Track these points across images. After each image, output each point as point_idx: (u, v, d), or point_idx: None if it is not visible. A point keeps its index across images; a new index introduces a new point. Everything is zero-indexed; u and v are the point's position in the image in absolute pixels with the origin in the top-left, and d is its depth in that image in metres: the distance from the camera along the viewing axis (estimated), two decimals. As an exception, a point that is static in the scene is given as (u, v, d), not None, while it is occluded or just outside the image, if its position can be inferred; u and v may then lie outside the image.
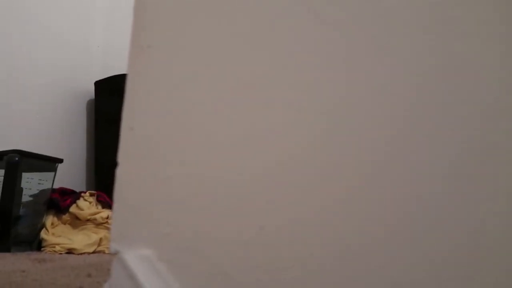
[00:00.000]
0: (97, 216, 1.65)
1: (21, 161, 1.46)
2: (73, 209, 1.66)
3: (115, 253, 0.37)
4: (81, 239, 1.55)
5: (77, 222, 1.68)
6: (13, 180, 1.44)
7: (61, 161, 1.65)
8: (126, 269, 0.35)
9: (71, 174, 1.95)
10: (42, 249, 1.51)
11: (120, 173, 0.39)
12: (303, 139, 0.32)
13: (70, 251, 1.48)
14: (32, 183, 1.54)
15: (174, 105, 0.38)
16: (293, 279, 0.30)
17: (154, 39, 0.40)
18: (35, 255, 1.35)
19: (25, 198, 1.51)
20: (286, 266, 0.30)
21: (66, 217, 1.69)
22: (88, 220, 1.67)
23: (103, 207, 1.72)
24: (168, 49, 0.39)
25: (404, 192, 0.28)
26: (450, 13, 0.28)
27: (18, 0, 1.82)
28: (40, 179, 1.58)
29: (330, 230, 0.30)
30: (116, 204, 0.38)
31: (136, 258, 0.35)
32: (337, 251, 0.30)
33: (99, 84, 2.04)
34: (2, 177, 1.45)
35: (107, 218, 1.68)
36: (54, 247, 1.50)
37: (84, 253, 1.49)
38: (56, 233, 1.62)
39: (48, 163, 1.61)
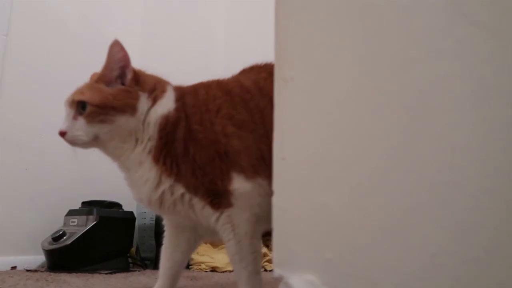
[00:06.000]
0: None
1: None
2: (212, 229, 1.80)
3: (279, 278, 0.39)
4: (222, 258, 1.66)
5: (216, 241, 1.81)
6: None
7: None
8: (292, 293, 0.37)
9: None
10: (190, 267, 1.66)
11: (276, 201, 0.41)
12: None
13: (213, 269, 1.60)
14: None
15: (323, 133, 0.39)
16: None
17: (297, 71, 0.42)
18: (185, 272, 1.49)
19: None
20: (469, 296, 0.28)
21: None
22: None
23: (238, 227, 1.82)
24: (311, 81, 0.40)
25: None
26: None
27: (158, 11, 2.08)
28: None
29: None
30: (275, 231, 0.40)
31: (301, 282, 0.36)
32: None
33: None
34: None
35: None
36: (200, 265, 1.63)
37: (225, 271, 1.59)
38: (200, 252, 1.76)
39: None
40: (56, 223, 1.61)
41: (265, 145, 0.83)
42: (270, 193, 0.83)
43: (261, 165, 0.84)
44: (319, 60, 0.40)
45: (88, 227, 1.47)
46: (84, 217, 1.51)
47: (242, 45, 2.26)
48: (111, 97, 0.87)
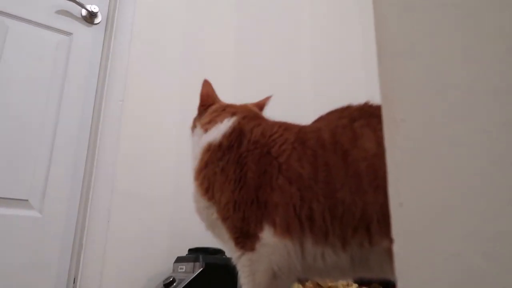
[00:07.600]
0: (338, 283, 1.68)
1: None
2: (315, 276, 1.74)
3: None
4: (329, 307, 1.59)
5: (319, 288, 1.75)
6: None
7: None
8: None
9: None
10: (295, 315, 1.60)
11: (397, 249, 0.39)
12: None
13: (320, 319, 1.53)
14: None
15: (440, 179, 0.36)
16: None
17: (407, 112, 0.40)
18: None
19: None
20: None
21: (309, 284, 1.77)
22: (329, 287, 1.71)
23: (342, 274, 1.74)
24: (423, 122, 0.38)
25: None
26: None
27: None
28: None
29: None
30: (399, 282, 0.38)
31: None
32: None
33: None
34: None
35: (347, 285, 1.69)
36: (306, 314, 1.58)
37: (333, 321, 1.51)
38: (306, 300, 1.71)
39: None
40: (167, 269, 1.71)
41: (320, 205, 0.78)
42: (294, 257, 0.79)
43: (299, 225, 0.79)
44: (431, 100, 0.38)
45: (195, 274, 1.52)
46: (191, 264, 1.57)
47: (329, 89, 2.29)
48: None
